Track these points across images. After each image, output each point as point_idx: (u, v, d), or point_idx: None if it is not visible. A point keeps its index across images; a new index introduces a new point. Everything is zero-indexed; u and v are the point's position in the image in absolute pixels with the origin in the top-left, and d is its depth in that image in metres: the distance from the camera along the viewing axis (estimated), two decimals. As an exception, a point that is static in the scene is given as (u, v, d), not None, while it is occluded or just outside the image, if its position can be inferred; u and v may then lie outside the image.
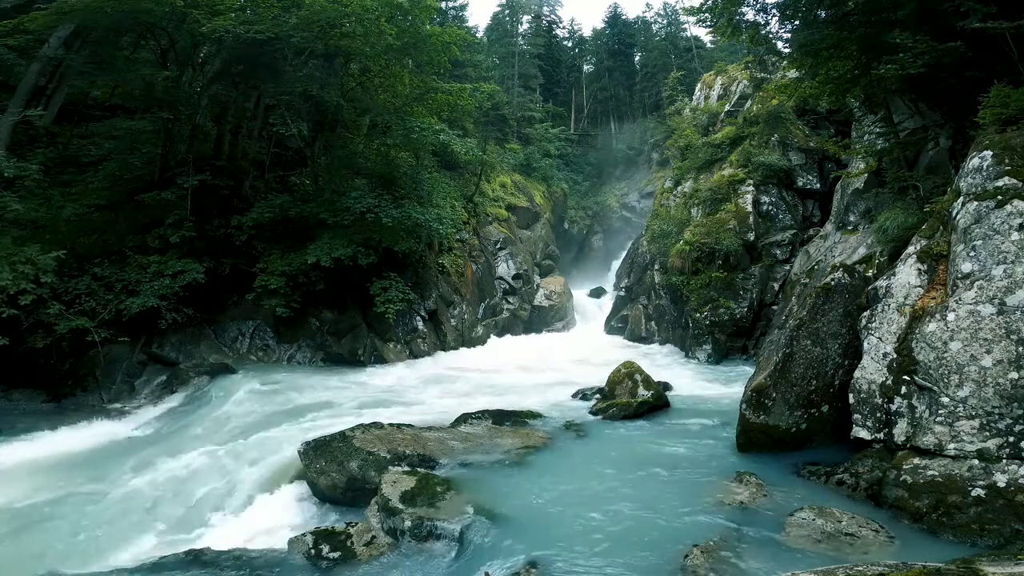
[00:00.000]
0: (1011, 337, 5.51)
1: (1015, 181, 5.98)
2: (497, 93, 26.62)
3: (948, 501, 5.34)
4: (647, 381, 10.18)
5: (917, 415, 5.93)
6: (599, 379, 11.30)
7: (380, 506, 6.10)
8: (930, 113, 10.10)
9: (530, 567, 4.81)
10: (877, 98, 10.57)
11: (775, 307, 15.53)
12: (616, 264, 27.50)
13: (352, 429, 7.82)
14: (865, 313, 6.89)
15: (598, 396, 10.63)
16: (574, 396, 11.20)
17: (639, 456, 7.52)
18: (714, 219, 16.96)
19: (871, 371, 6.45)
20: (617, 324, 21.37)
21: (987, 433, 5.47)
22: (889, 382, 6.23)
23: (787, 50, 12.28)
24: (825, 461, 6.74)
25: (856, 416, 6.47)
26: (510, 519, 5.72)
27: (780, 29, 11.71)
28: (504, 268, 22.28)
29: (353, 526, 5.89)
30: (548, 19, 45.76)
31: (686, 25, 42.51)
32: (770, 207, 16.93)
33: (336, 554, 5.51)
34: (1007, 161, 6.19)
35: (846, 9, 9.53)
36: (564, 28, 48.80)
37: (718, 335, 15.57)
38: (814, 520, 5.38)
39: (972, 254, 5.97)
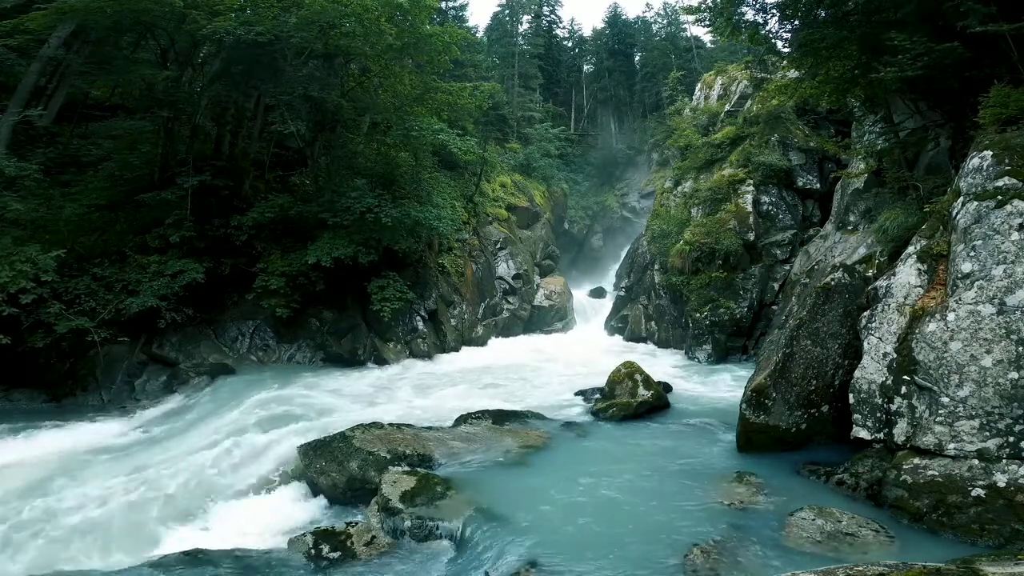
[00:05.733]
0: (1011, 337, 5.51)
1: (1015, 181, 5.98)
2: (497, 93, 26.60)
3: (948, 501, 5.35)
4: (647, 381, 10.18)
5: (917, 415, 5.93)
6: (599, 379, 11.29)
7: (380, 506, 6.11)
8: (930, 113, 10.09)
9: (530, 567, 4.81)
10: (877, 98, 10.56)
11: (775, 307, 15.53)
12: (616, 264, 27.50)
13: (352, 429, 7.82)
14: (865, 313, 6.89)
15: (598, 396, 10.63)
16: (574, 396, 11.19)
17: (639, 456, 7.53)
18: (714, 219, 16.95)
19: (871, 371, 6.45)
20: (617, 324, 21.36)
21: (987, 433, 5.47)
22: (889, 382, 6.23)
23: (787, 50, 12.26)
24: (825, 461, 6.75)
25: (856, 416, 6.47)
26: (510, 519, 5.72)
27: (780, 29, 11.70)
28: (504, 268, 22.26)
29: (353, 526, 5.89)
30: (548, 19, 45.70)
31: (686, 25, 42.51)
32: (770, 207, 16.92)
33: (336, 554, 5.51)
34: (1007, 161, 6.20)
35: (846, 9, 9.53)
36: (564, 28, 48.76)
37: (718, 335, 15.56)
38: (814, 520, 5.39)
39: (972, 254, 5.97)
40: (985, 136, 6.79)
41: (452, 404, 10.64)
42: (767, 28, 11.65)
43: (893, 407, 6.13)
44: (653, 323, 19.19)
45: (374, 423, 8.18)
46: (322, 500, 7.08)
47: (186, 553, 5.61)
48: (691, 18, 16.44)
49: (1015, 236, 5.75)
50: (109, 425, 10.15)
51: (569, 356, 16.79)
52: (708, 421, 9.03)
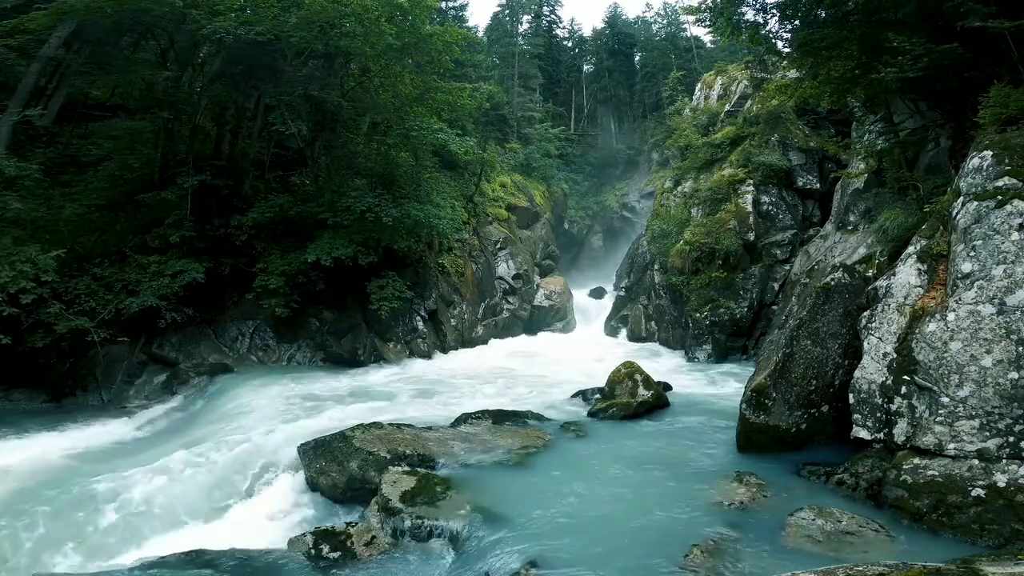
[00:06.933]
0: (1011, 337, 5.51)
1: (1015, 181, 5.98)
2: (497, 93, 26.60)
3: (948, 501, 5.35)
4: (647, 381, 10.17)
5: (917, 415, 5.93)
6: (599, 379, 11.29)
7: (380, 506, 6.10)
8: (930, 113, 10.09)
9: (530, 567, 4.81)
10: (877, 98, 10.56)
11: (775, 307, 15.53)
12: (616, 264, 27.50)
13: (352, 429, 7.82)
14: (865, 313, 6.89)
15: (598, 396, 10.62)
16: (574, 396, 11.18)
17: (639, 456, 7.52)
18: (714, 219, 16.96)
19: (871, 371, 6.45)
20: (617, 324, 21.36)
21: (987, 433, 5.47)
22: (889, 382, 6.23)
23: (787, 50, 12.27)
24: (825, 461, 6.74)
25: (856, 416, 6.47)
26: (510, 519, 5.72)
27: (780, 29, 11.71)
28: (504, 268, 22.26)
29: (353, 526, 5.89)
30: (548, 19, 45.72)
31: (686, 25, 42.53)
32: (770, 207, 16.93)
33: (336, 554, 5.51)
34: (1007, 161, 6.20)
35: (846, 9, 9.53)
36: (564, 28, 48.76)
37: (718, 335, 15.56)
38: (814, 520, 5.39)
39: (972, 254, 5.97)
40: (985, 136, 6.79)
41: (452, 404, 10.64)
42: (767, 28, 11.66)
43: (893, 407, 6.13)
44: (653, 323, 19.19)
45: (374, 423, 8.17)
46: (322, 500, 7.07)
47: (186, 553, 5.61)
48: (691, 18, 16.50)
49: (1015, 236, 5.74)
50: (109, 425, 10.15)
51: (569, 356, 16.79)
52: (708, 421, 9.02)
